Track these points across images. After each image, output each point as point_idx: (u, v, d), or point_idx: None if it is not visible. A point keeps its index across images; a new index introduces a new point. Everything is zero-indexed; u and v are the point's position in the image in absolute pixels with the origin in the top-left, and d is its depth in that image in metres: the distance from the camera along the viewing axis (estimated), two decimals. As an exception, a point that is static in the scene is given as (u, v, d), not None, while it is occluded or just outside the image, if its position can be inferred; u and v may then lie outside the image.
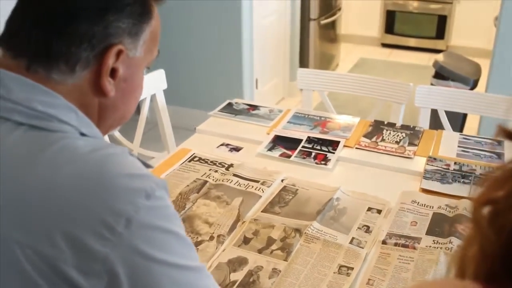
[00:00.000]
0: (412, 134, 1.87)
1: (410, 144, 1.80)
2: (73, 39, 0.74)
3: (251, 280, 1.21)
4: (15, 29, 0.76)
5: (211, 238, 1.34)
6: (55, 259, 0.65)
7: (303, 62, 4.61)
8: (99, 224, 0.66)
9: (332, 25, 4.98)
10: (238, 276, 1.22)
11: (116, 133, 2.08)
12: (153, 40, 0.84)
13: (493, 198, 0.49)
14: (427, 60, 5.65)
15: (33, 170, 0.69)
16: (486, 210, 0.50)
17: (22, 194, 0.67)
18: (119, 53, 0.77)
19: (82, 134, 0.76)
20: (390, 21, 6.02)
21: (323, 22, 4.67)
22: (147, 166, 0.79)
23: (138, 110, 2.15)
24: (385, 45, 6.15)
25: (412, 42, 6.02)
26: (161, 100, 2.19)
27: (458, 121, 3.07)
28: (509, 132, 0.50)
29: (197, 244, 1.32)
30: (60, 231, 0.65)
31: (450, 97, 2.10)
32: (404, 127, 1.92)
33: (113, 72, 0.78)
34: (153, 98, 2.17)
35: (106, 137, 1.92)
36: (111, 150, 0.74)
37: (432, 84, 3.20)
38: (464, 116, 3.16)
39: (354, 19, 6.05)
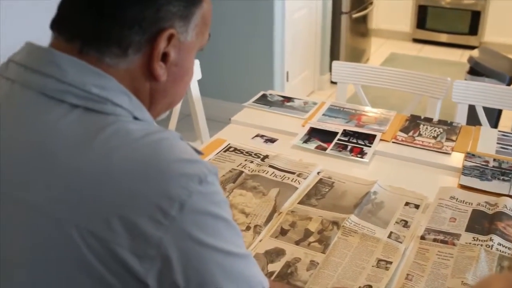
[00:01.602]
0: (450, 129, 1.84)
1: (448, 139, 1.78)
2: (124, 23, 0.74)
3: (288, 271, 1.20)
4: (67, 13, 0.76)
5: (248, 228, 1.34)
6: (111, 242, 0.65)
7: (334, 55, 4.58)
8: (153, 209, 0.66)
9: (364, 19, 4.94)
10: (275, 267, 1.22)
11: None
12: (204, 23, 0.83)
13: None
14: (459, 56, 5.57)
15: (88, 152, 0.69)
16: None
17: (79, 177, 0.67)
18: (170, 37, 0.77)
19: (135, 118, 0.76)
20: (422, 16, 5.94)
21: (354, 15, 4.63)
22: (198, 152, 0.78)
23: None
24: (416, 40, 6.07)
25: (444, 37, 5.93)
26: (195, 90, 2.19)
27: (493, 117, 3.02)
28: None
29: (234, 233, 1.32)
30: (117, 215, 0.65)
31: (488, 93, 2.06)
32: (441, 122, 1.89)
33: (165, 57, 0.78)
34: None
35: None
36: (163, 135, 0.73)
37: (465, 80, 3.15)
38: (499, 112, 3.11)
39: (386, 14, 5.99)
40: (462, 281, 1.15)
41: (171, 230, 0.66)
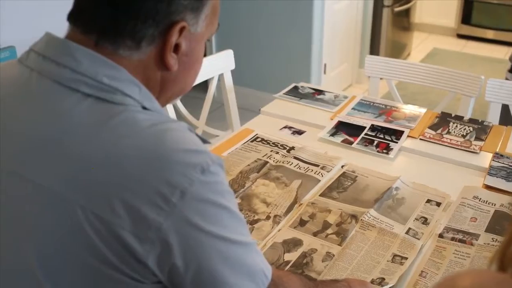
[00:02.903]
0: (480, 128, 1.82)
1: (477, 138, 1.76)
2: (139, 17, 0.76)
3: (304, 261, 1.23)
4: (84, 6, 0.79)
5: (268, 217, 1.37)
6: (113, 224, 0.69)
7: (374, 49, 4.53)
8: (155, 195, 0.69)
9: (406, 12, 4.87)
10: (292, 256, 1.25)
11: (183, 110, 2.13)
12: (214, 13, 0.86)
13: None
14: (504, 53, 5.43)
15: (97, 139, 0.73)
16: None
17: (87, 162, 0.71)
18: (182, 29, 0.80)
19: (144, 108, 0.79)
20: (468, 11, 5.81)
21: (396, 9, 4.57)
22: (205, 141, 0.81)
23: (205, 89, 2.20)
24: (460, 36, 5.95)
25: (489, 34, 5.79)
26: (228, 80, 2.22)
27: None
28: None
29: (253, 222, 1.35)
30: (120, 199, 0.69)
31: (523, 93, 2.03)
32: (472, 121, 1.88)
33: (176, 48, 0.81)
34: (220, 77, 2.21)
35: (172, 111, 1.98)
36: (170, 125, 0.77)
37: (507, 79, 3.08)
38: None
39: (430, 8, 5.88)
40: (476, 281, 1.15)
41: (171, 216, 0.70)
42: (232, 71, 2.24)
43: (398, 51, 4.89)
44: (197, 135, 0.80)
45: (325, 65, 3.91)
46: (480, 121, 1.87)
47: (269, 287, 0.82)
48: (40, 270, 0.73)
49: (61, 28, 0.84)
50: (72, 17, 0.80)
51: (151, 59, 0.80)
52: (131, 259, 0.71)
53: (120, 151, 0.72)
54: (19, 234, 0.74)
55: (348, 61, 4.38)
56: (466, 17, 5.84)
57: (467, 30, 5.89)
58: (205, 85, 2.21)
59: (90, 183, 0.71)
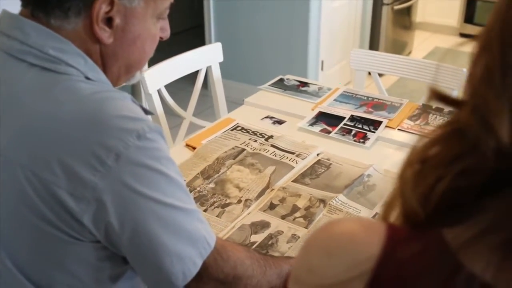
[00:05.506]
0: (459, 120, 1.84)
1: (455, 129, 1.78)
2: None
3: (269, 242, 1.26)
4: None
5: (239, 201, 1.41)
6: (51, 183, 0.74)
7: (373, 47, 4.55)
8: (91, 156, 0.74)
9: (407, 11, 4.88)
10: (258, 238, 1.28)
11: (170, 101, 2.17)
12: None
13: (422, 158, 0.51)
14: (506, 52, 5.42)
15: (41, 104, 0.78)
16: (412, 169, 0.52)
17: (30, 124, 0.77)
18: (111, 3, 0.82)
19: (88, 78, 0.83)
20: (471, 10, 5.81)
21: (396, 7, 4.59)
22: (147, 112, 0.85)
23: (195, 81, 2.24)
24: (463, 35, 5.95)
25: (492, 33, 5.78)
26: (216, 72, 2.26)
27: None
28: (440, 94, 0.52)
29: (225, 206, 1.39)
30: (57, 159, 0.74)
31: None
32: (452, 112, 1.89)
33: (110, 21, 0.84)
34: (208, 70, 2.24)
35: (159, 102, 2.01)
36: (111, 94, 0.81)
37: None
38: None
39: (432, 7, 5.89)
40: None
41: (107, 177, 0.74)
42: (228, 66, 2.27)
43: (398, 49, 4.90)
44: (141, 106, 0.84)
45: (322, 62, 3.93)
46: (460, 112, 1.89)
47: (212, 254, 0.85)
48: None
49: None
50: None
51: (83, 30, 0.84)
52: (68, 217, 0.75)
53: (61, 115, 0.76)
54: None
55: (347, 59, 4.39)
56: (469, 16, 5.85)
57: (471, 29, 5.88)
58: (195, 77, 2.25)
59: (31, 145, 0.75)
